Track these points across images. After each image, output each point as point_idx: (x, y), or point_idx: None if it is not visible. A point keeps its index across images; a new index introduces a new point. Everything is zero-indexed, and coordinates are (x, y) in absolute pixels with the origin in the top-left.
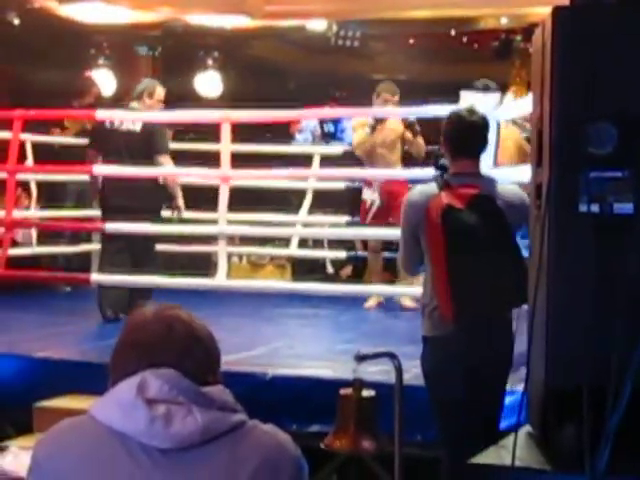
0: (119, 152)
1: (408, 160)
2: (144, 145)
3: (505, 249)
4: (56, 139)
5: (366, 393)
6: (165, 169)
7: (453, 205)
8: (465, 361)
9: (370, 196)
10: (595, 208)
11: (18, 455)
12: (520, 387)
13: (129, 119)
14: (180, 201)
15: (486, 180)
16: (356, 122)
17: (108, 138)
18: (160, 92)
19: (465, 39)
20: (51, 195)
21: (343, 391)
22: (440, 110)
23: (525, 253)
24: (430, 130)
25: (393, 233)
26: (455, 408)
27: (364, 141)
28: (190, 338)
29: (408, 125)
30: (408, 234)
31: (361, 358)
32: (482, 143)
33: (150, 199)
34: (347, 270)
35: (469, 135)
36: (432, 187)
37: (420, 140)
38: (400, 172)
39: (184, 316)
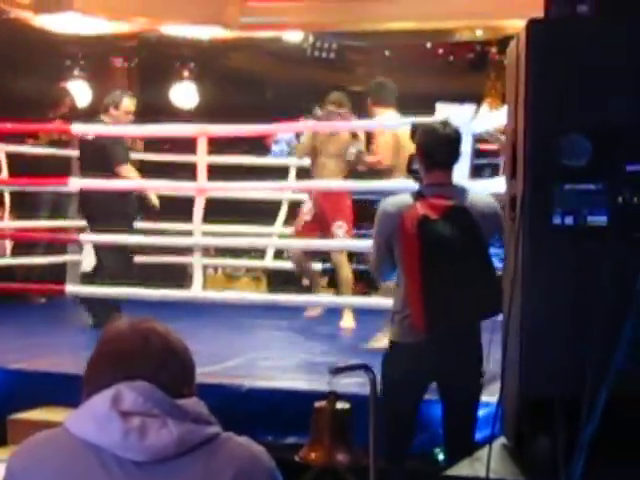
0: (82, 163)
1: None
2: (97, 156)
3: (479, 260)
4: (30, 149)
5: (341, 405)
6: (135, 182)
7: (428, 216)
8: (433, 371)
9: (307, 208)
10: (569, 220)
11: None
12: (493, 399)
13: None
14: (154, 199)
15: (459, 190)
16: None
17: (80, 150)
18: (127, 103)
19: (441, 51)
20: (25, 205)
21: (318, 404)
22: (414, 122)
23: (500, 263)
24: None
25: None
26: (409, 416)
27: (300, 148)
28: (166, 351)
29: (354, 135)
30: (381, 243)
31: (336, 371)
32: (455, 155)
33: (119, 207)
34: (322, 282)
35: (442, 147)
36: (406, 197)
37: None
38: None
39: (160, 329)
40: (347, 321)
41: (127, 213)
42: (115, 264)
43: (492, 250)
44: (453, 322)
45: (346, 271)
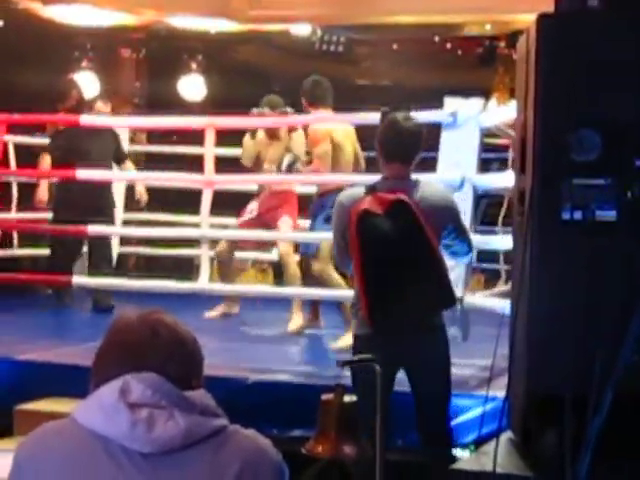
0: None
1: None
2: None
3: (423, 255)
4: (37, 141)
5: (348, 398)
6: (148, 174)
7: (371, 210)
8: (388, 362)
9: (252, 205)
10: (578, 215)
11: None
12: (500, 394)
13: None
14: (142, 192)
15: (413, 184)
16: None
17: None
18: (99, 105)
19: (449, 45)
20: (32, 197)
21: (325, 396)
22: (423, 116)
23: (452, 256)
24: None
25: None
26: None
27: (246, 156)
28: (174, 342)
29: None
30: (337, 235)
31: (343, 364)
32: (415, 149)
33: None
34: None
35: (402, 140)
36: (360, 190)
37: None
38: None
39: (168, 320)
40: (294, 322)
41: (111, 205)
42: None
43: (445, 242)
44: (395, 316)
45: (293, 267)
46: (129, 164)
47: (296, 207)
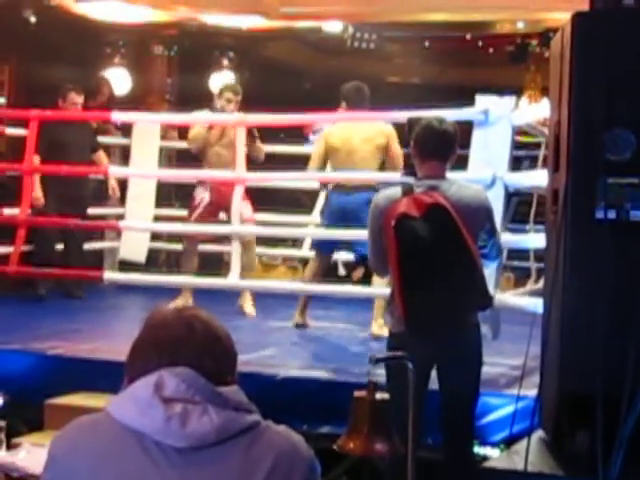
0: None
1: (249, 163)
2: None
3: (460, 258)
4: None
5: (380, 396)
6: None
7: (408, 214)
8: (422, 360)
9: (201, 194)
10: (612, 214)
11: (31, 451)
12: (531, 392)
13: None
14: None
15: (449, 183)
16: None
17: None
18: (72, 96)
19: (480, 43)
20: None
21: (357, 393)
22: (455, 114)
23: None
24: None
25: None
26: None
27: (197, 138)
28: (209, 338)
29: (248, 130)
30: (373, 236)
31: (376, 361)
32: (449, 149)
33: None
34: (359, 272)
35: (438, 140)
36: (397, 191)
37: (259, 144)
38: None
39: (203, 316)
40: (248, 306)
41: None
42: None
43: (480, 243)
44: (431, 317)
45: (254, 252)
46: (102, 154)
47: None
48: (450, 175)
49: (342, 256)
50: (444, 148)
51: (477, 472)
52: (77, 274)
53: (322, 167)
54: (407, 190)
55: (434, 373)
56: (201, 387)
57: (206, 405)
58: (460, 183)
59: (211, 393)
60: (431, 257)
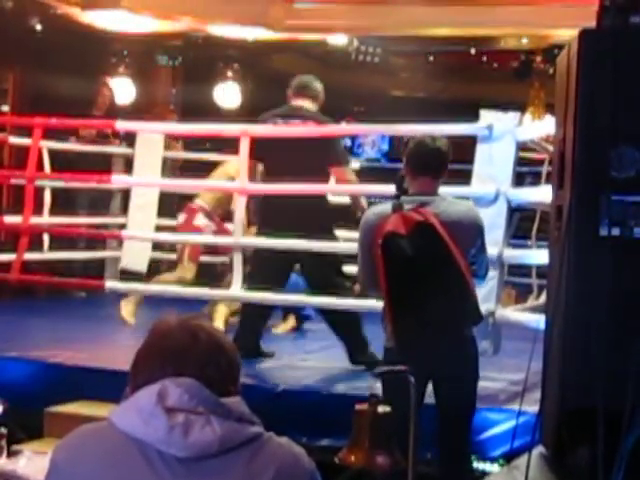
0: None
1: None
2: None
3: (446, 273)
4: (73, 147)
5: (381, 409)
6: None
7: (395, 232)
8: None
9: (202, 221)
10: (616, 232)
11: (32, 459)
12: (531, 408)
13: None
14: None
15: (440, 200)
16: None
17: None
18: None
19: (485, 58)
20: (63, 202)
21: (359, 406)
22: (458, 129)
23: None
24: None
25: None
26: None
27: None
28: (214, 348)
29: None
30: (362, 252)
31: (378, 374)
32: (442, 166)
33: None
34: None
35: (431, 157)
36: (387, 207)
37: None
38: None
39: (208, 326)
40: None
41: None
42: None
43: (471, 259)
44: (420, 335)
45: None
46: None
47: None
48: (442, 191)
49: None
50: (436, 165)
51: None
52: (79, 283)
53: None
54: (397, 206)
55: (430, 387)
56: (204, 398)
57: (209, 416)
58: (450, 200)
59: (214, 404)
60: (418, 274)
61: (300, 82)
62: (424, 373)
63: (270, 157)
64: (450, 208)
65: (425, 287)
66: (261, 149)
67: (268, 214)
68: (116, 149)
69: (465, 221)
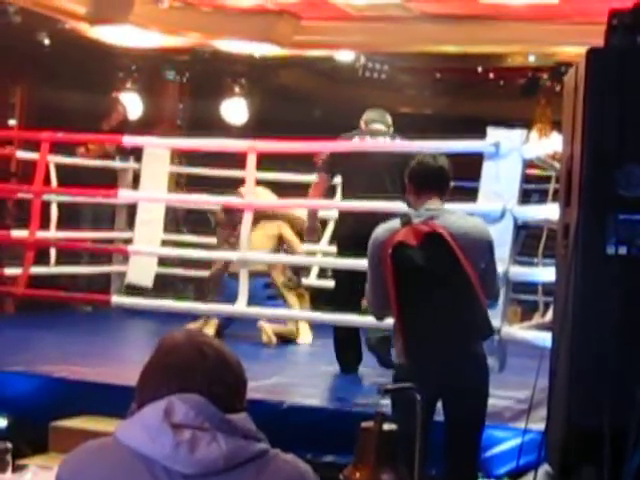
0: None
1: None
2: None
3: (457, 285)
4: (80, 162)
5: (387, 427)
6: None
7: (405, 242)
8: (421, 391)
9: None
10: (623, 250)
11: (37, 474)
12: (537, 426)
13: None
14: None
15: (447, 214)
16: None
17: None
18: None
19: (492, 75)
20: (66, 216)
21: (365, 424)
22: (466, 146)
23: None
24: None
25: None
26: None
27: None
28: (221, 364)
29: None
30: (372, 270)
31: (384, 392)
32: (446, 184)
33: None
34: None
35: (433, 174)
36: (396, 223)
37: None
38: None
39: (214, 342)
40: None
41: None
42: None
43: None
44: (431, 346)
45: None
46: None
47: None
48: (450, 206)
49: None
50: (440, 182)
51: None
52: (85, 297)
53: None
54: (406, 221)
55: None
56: (210, 414)
57: (215, 432)
58: (459, 214)
59: (220, 420)
60: (428, 284)
61: (375, 114)
62: (435, 389)
63: (349, 173)
64: (459, 221)
65: (435, 297)
66: (340, 164)
67: (346, 233)
68: (121, 164)
69: (474, 234)
